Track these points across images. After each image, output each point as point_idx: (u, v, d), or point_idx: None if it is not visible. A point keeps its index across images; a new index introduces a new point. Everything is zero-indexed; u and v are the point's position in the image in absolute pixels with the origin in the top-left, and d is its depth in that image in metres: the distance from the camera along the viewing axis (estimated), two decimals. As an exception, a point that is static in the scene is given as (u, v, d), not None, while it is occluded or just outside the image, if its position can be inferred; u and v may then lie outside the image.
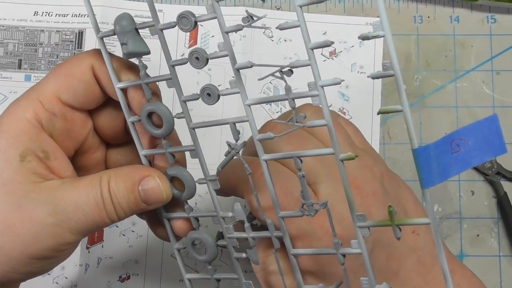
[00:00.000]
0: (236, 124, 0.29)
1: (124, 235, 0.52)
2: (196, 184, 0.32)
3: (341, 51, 0.54)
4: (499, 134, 0.22)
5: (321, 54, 0.54)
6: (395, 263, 0.34)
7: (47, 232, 0.28)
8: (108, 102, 0.33)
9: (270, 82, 0.53)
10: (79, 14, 0.54)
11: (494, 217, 0.53)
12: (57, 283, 0.51)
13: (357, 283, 0.29)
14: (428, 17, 0.55)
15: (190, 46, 0.54)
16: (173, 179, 0.32)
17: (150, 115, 0.31)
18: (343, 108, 0.53)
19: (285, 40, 0.54)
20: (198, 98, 0.29)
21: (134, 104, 0.32)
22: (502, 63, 0.54)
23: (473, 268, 0.38)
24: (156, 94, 0.32)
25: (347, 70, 0.54)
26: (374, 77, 0.24)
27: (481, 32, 0.55)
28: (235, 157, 0.30)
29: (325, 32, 0.54)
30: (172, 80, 0.30)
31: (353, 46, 0.54)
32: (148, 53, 0.30)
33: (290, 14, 0.55)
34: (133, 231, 0.52)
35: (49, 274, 0.51)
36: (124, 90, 0.32)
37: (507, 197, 0.52)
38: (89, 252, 0.51)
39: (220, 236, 0.33)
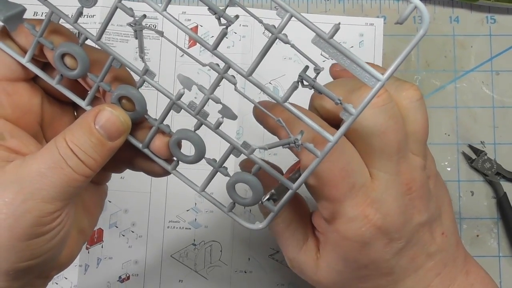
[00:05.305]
0: None
1: (123, 236, 0.52)
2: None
3: (340, 52, 0.54)
4: None
5: (321, 54, 0.54)
6: (419, 262, 0.34)
7: (22, 210, 0.28)
8: (48, 64, 0.32)
9: (270, 83, 0.53)
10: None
11: (493, 217, 0.53)
12: (57, 284, 0.51)
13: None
14: (428, 17, 0.55)
15: (189, 47, 0.54)
16: (123, 105, 0.31)
17: (64, 60, 0.30)
18: (342, 109, 0.53)
19: (284, 41, 0.54)
20: None
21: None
22: (502, 63, 0.54)
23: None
24: (59, 35, 0.31)
25: (346, 71, 0.53)
26: None
27: (481, 32, 0.55)
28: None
29: (325, 33, 0.54)
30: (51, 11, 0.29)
31: (352, 46, 0.54)
32: (25, 9, 0.29)
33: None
34: (132, 232, 0.52)
35: (48, 275, 0.51)
36: (41, 55, 0.31)
37: (506, 197, 0.52)
38: (88, 252, 0.51)
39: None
